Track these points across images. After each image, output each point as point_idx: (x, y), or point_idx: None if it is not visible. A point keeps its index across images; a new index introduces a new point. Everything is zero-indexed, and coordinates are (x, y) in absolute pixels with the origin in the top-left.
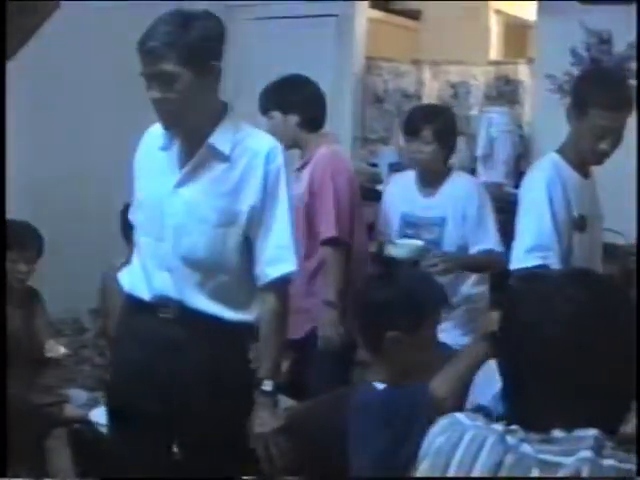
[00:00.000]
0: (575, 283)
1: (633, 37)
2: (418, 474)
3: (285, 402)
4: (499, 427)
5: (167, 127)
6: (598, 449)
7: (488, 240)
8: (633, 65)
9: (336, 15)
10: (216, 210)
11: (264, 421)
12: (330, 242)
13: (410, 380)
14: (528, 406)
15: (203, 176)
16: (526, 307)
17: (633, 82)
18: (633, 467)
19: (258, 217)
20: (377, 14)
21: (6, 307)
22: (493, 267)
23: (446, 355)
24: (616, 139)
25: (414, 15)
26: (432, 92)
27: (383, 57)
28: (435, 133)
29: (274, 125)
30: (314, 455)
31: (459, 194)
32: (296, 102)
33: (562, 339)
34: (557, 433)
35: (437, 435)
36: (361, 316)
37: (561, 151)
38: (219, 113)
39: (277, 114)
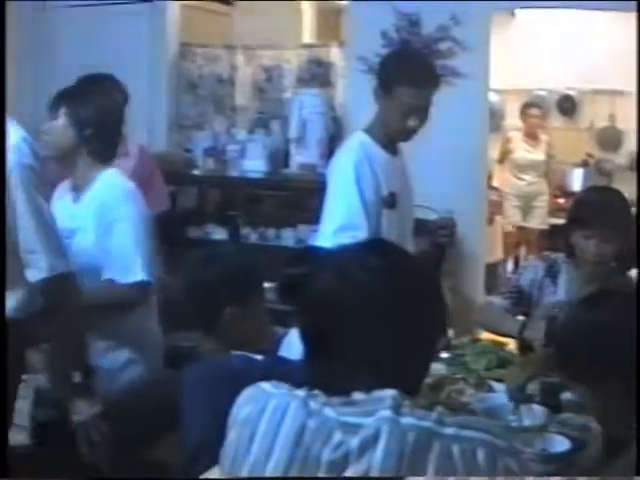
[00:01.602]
0: (369, 252)
1: (442, 20)
2: (226, 445)
3: None
4: (302, 393)
5: None
6: (397, 408)
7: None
8: (442, 45)
9: (150, 0)
10: None
11: (81, 409)
12: None
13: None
14: (329, 371)
15: None
16: (324, 276)
17: (440, 61)
18: (431, 424)
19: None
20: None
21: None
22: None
23: None
24: (423, 116)
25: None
26: (246, 77)
27: (197, 43)
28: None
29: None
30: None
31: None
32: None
33: (358, 305)
34: (357, 395)
35: (242, 405)
36: (193, 297)
37: (369, 130)
38: None
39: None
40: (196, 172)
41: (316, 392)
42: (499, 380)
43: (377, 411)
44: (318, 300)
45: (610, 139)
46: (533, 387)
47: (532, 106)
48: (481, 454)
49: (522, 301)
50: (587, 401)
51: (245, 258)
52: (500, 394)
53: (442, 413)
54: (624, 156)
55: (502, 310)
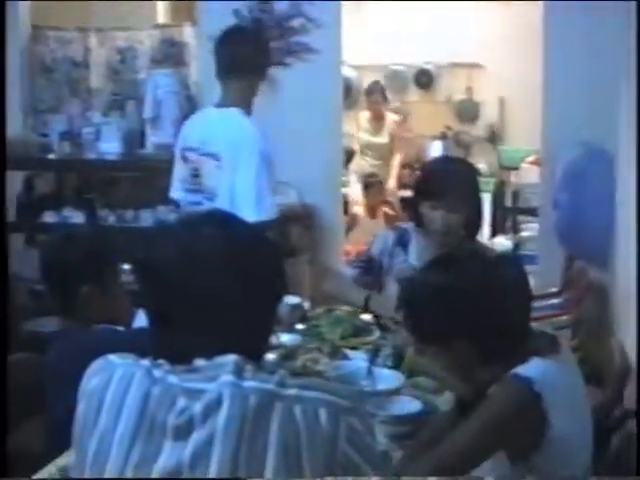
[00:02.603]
0: (207, 222)
1: None
2: (76, 418)
3: None
4: (146, 362)
5: None
6: (238, 372)
7: None
8: (294, 22)
9: None
10: None
11: None
12: None
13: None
14: (172, 340)
15: None
16: (162, 246)
17: (293, 38)
18: (273, 386)
19: None
20: None
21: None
22: None
23: None
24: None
25: None
26: (100, 59)
27: (49, 26)
28: None
29: None
30: None
31: None
32: None
33: (195, 274)
34: (199, 362)
35: (90, 377)
36: (49, 278)
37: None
38: None
39: None
40: (52, 156)
41: (160, 361)
42: (354, 348)
43: (219, 376)
44: (157, 270)
45: (468, 111)
46: (387, 352)
47: (373, 92)
48: (323, 414)
49: (372, 270)
50: (438, 362)
51: (99, 238)
52: (354, 361)
53: (284, 375)
54: (482, 128)
55: (350, 280)
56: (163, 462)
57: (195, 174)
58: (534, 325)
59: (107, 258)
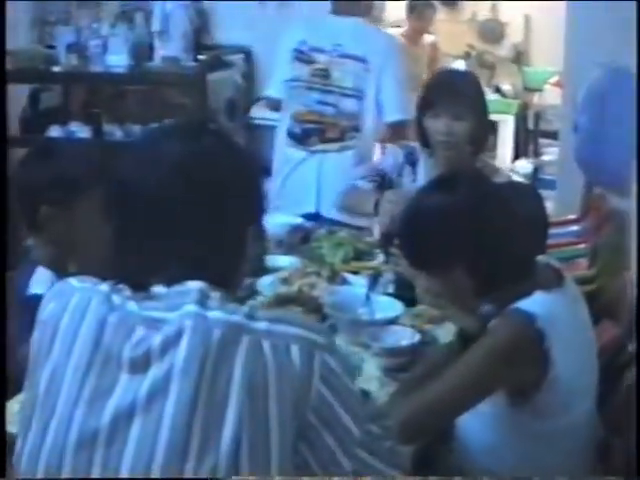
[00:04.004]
0: (173, 135)
1: None
2: (31, 345)
3: None
4: (105, 287)
5: None
6: (203, 302)
7: None
8: None
9: None
10: None
11: None
12: None
13: (75, 260)
14: (135, 263)
15: None
16: (125, 162)
17: None
18: (240, 318)
19: None
20: None
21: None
22: None
23: None
24: None
25: None
26: None
27: None
28: None
29: None
30: None
31: None
32: None
33: (158, 191)
34: (159, 289)
35: (48, 302)
36: (17, 193)
37: None
38: None
39: None
40: (58, 69)
41: (121, 286)
42: (356, 273)
43: (183, 305)
44: (119, 184)
45: (492, 31)
46: (388, 279)
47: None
48: (295, 350)
49: (384, 185)
50: (437, 288)
51: (72, 157)
52: (354, 287)
53: (254, 307)
54: (506, 48)
55: (364, 192)
56: (118, 398)
57: (323, 74)
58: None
59: (82, 177)
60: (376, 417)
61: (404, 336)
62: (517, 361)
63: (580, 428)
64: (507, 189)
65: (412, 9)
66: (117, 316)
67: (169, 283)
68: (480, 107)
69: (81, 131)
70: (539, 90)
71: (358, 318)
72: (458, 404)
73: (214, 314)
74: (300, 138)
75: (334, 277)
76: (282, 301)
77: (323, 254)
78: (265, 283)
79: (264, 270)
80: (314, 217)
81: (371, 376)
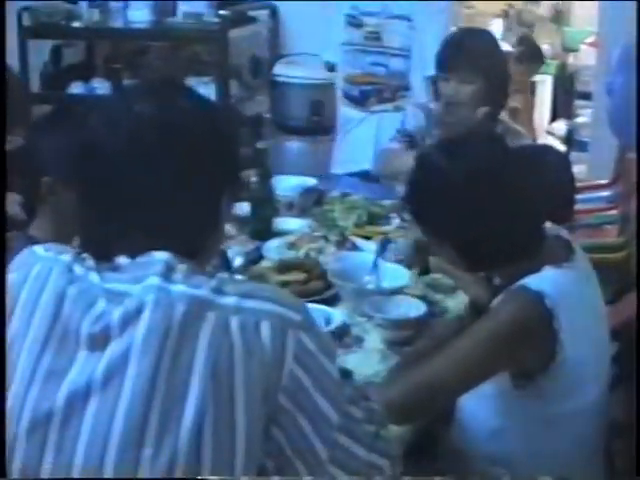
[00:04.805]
0: (144, 94)
1: None
2: None
3: None
4: (67, 257)
5: None
6: (167, 274)
7: None
8: None
9: None
10: None
11: None
12: None
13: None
14: (96, 232)
15: None
16: (91, 122)
17: None
18: (207, 292)
19: None
20: None
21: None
22: None
23: None
24: None
25: None
26: None
27: None
28: None
29: None
30: None
31: None
32: None
33: (123, 154)
34: (123, 260)
35: (12, 271)
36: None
37: None
38: None
39: None
40: (79, 24)
41: (84, 256)
42: (368, 238)
43: (146, 277)
44: (85, 149)
45: None
46: (401, 245)
47: None
48: (266, 327)
49: (414, 145)
50: (450, 257)
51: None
52: (362, 253)
53: (224, 280)
54: (545, 7)
55: (397, 152)
56: (74, 376)
57: (375, 37)
58: (548, 227)
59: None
60: (358, 399)
61: (410, 307)
62: (523, 342)
63: (589, 413)
64: (521, 154)
65: None
66: (77, 288)
67: (134, 253)
68: (494, 70)
69: (102, 87)
70: (575, 50)
71: (362, 287)
72: (459, 383)
73: (178, 288)
74: (359, 100)
75: (343, 242)
76: (285, 268)
77: (335, 217)
78: (271, 247)
79: (272, 233)
80: (365, 175)
81: (373, 349)
